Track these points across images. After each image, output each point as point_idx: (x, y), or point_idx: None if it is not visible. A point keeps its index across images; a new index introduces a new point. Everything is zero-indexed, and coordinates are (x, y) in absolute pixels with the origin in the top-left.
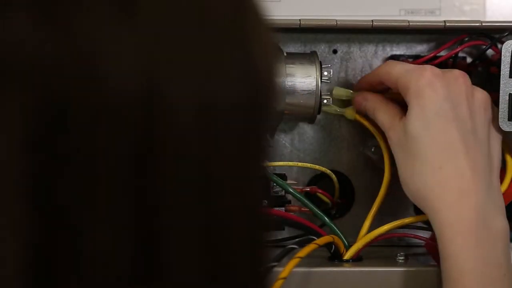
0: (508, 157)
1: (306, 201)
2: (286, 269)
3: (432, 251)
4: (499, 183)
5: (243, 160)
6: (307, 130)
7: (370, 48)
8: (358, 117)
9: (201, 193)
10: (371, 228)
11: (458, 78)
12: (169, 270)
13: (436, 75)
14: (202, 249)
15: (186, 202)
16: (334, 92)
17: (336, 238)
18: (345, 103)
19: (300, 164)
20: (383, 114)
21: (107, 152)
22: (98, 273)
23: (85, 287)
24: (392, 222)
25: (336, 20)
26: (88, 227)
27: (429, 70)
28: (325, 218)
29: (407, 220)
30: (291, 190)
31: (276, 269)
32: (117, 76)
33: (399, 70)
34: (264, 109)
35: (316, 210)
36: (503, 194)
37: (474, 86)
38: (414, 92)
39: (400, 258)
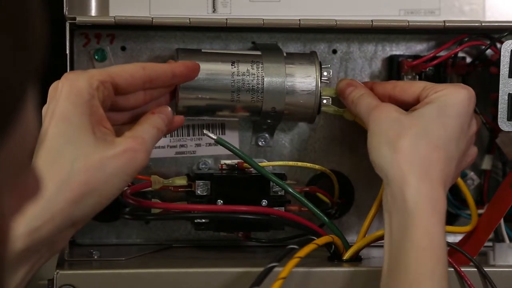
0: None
1: (305, 201)
2: (286, 269)
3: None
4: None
5: None
6: (307, 130)
7: (369, 48)
8: (357, 118)
9: None
10: (371, 228)
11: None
12: None
13: (474, 98)
14: None
15: None
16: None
17: (335, 238)
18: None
19: (300, 164)
20: (369, 98)
21: None
22: None
23: None
24: None
25: (336, 20)
26: None
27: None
28: (325, 218)
29: None
30: (291, 190)
31: (276, 269)
32: None
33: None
34: None
35: (316, 210)
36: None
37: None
38: (452, 91)
39: None
